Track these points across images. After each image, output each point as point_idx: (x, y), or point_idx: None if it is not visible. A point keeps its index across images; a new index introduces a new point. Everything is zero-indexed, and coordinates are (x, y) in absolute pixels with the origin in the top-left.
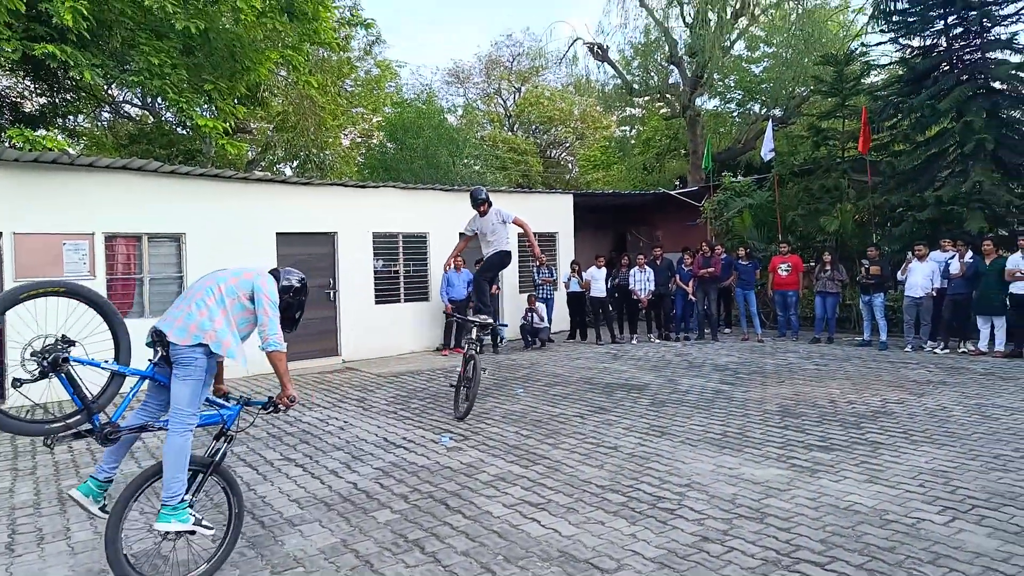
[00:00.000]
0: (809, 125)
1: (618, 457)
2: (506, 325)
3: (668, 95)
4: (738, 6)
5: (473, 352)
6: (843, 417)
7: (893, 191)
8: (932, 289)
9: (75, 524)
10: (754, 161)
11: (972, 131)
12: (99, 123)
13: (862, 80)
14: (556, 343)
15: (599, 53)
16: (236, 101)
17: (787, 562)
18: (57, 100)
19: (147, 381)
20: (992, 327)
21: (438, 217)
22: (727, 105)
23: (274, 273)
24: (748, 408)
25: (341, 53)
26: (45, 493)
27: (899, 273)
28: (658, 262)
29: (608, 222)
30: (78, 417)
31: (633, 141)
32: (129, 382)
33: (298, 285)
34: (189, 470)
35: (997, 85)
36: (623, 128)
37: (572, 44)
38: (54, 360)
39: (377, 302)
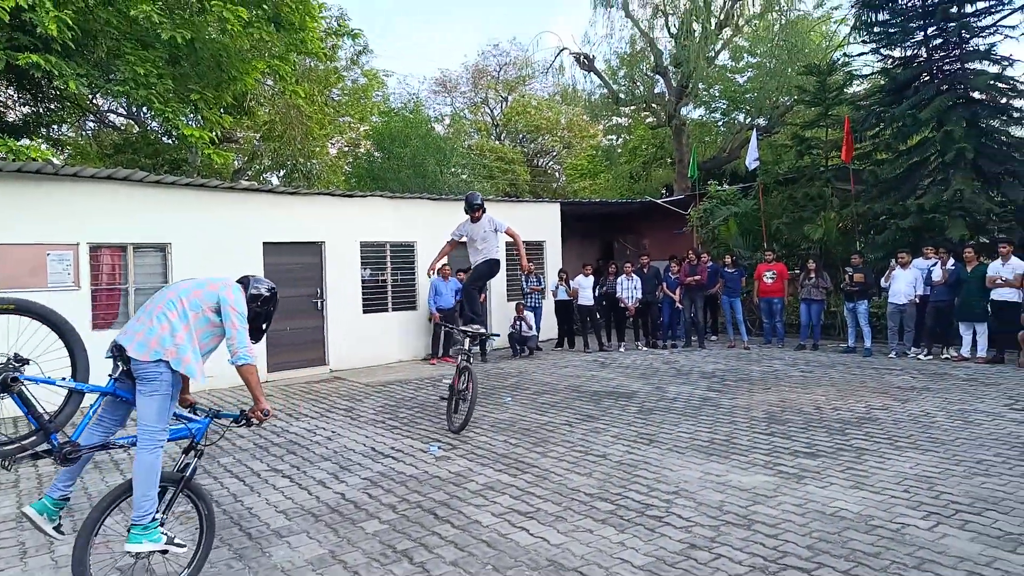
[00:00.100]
0: (793, 134)
1: (606, 465)
2: (498, 335)
3: (654, 104)
4: (722, 17)
5: (468, 364)
6: (828, 423)
7: (876, 199)
8: (915, 296)
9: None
10: (739, 170)
11: (952, 140)
12: (84, 132)
13: (845, 90)
14: (544, 351)
15: (585, 63)
16: (222, 110)
17: (774, 568)
18: (41, 110)
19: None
20: (974, 333)
21: (426, 226)
22: (712, 114)
23: (243, 281)
24: (735, 415)
25: (328, 63)
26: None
27: (882, 280)
28: (645, 270)
29: (595, 230)
30: (34, 438)
31: (619, 150)
32: (90, 399)
33: (267, 294)
34: (159, 487)
35: (976, 95)
36: (609, 137)
37: (559, 54)
38: (4, 380)
39: (365, 311)
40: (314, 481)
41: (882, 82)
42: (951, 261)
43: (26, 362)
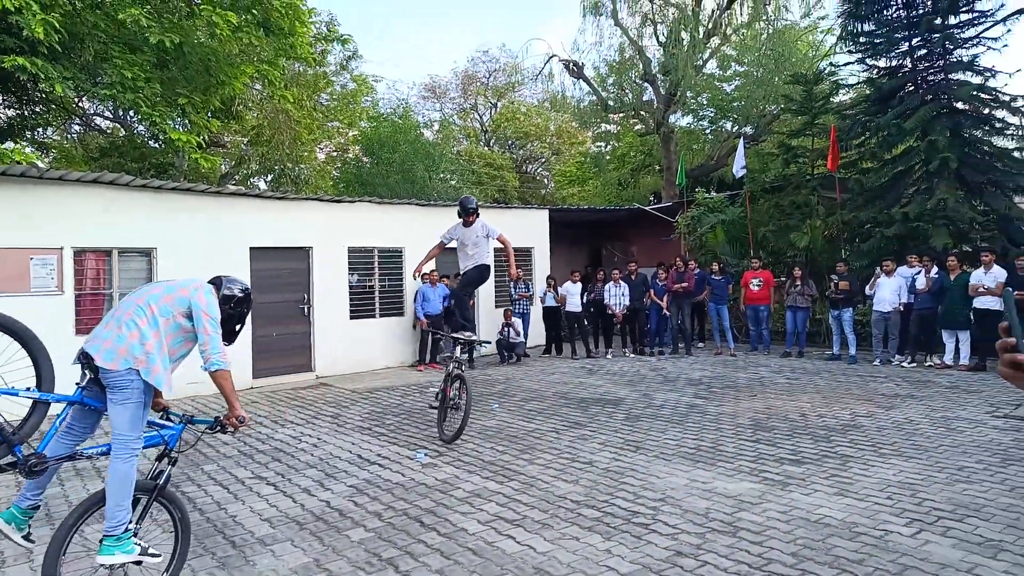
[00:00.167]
0: (779, 143)
1: (593, 472)
2: (488, 342)
3: (642, 112)
4: (710, 26)
5: (461, 372)
6: (813, 430)
7: (861, 208)
8: (899, 304)
9: (39, 548)
10: (726, 178)
11: (936, 150)
12: (69, 136)
13: (831, 99)
14: (532, 358)
15: (574, 70)
16: (210, 115)
17: (759, 575)
18: (26, 112)
19: (81, 406)
20: (957, 341)
21: (414, 232)
22: (700, 122)
23: (215, 281)
24: (721, 422)
25: (317, 67)
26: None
27: (867, 288)
28: (633, 277)
29: (583, 237)
30: None
31: (608, 157)
32: (56, 408)
33: (240, 295)
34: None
35: (960, 105)
36: (598, 144)
37: (548, 61)
38: None
39: (352, 317)
40: (299, 489)
41: (867, 92)
42: (935, 269)
43: None
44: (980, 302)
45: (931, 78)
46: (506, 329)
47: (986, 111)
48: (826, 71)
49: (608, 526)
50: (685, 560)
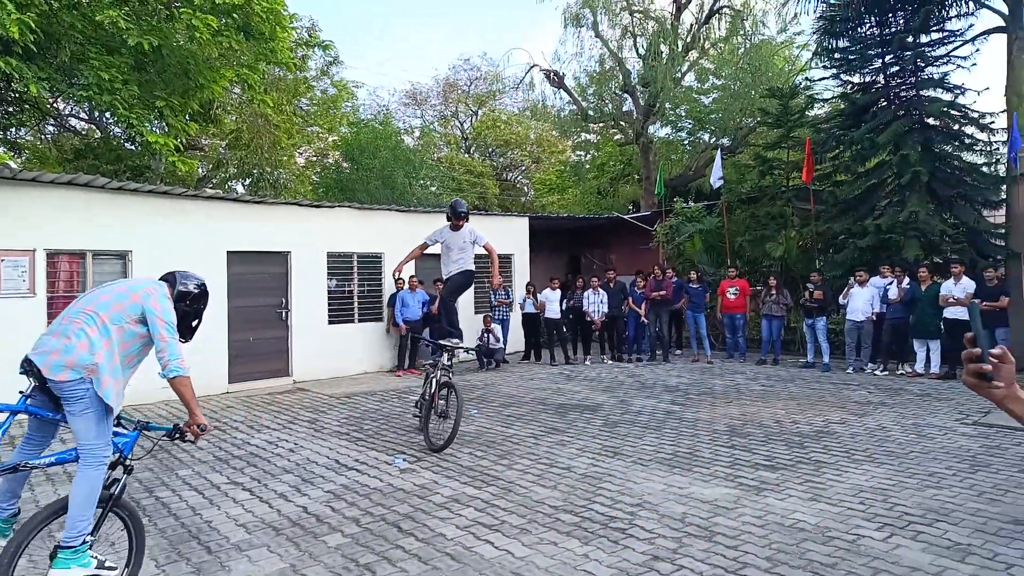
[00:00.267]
0: (756, 155)
1: (571, 478)
2: (472, 349)
3: (622, 122)
4: (689, 40)
5: (450, 379)
6: (788, 437)
7: (835, 219)
8: (872, 313)
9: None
10: (704, 188)
11: (908, 164)
12: (43, 136)
13: (806, 113)
14: (511, 364)
15: (555, 80)
16: (188, 118)
17: None
18: None
19: (28, 415)
20: (928, 350)
21: (393, 238)
22: (678, 134)
23: (169, 278)
24: (698, 428)
25: (297, 72)
26: None
27: (841, 297)
28: (611, 285)
29: (563, 245)
30: None
31: (588, 166)
32: None
33: (196, 291)
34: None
35: (931, 121)
36: (578, 153)
37: (529, 70)
38: None
39: (331, 322)
40: (275, 494)
41: (842, 106)
42: (907, 280)
43: None
44: (950, 312)
45: (903, 94)
46: (485, 335)
47: (956, 127)
48: (802, 85)
49: (586, 531)
50: (662, 564)
